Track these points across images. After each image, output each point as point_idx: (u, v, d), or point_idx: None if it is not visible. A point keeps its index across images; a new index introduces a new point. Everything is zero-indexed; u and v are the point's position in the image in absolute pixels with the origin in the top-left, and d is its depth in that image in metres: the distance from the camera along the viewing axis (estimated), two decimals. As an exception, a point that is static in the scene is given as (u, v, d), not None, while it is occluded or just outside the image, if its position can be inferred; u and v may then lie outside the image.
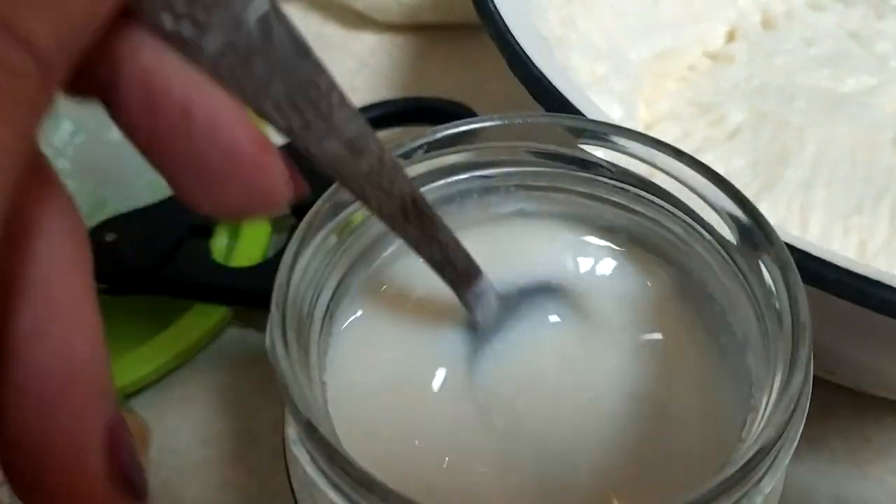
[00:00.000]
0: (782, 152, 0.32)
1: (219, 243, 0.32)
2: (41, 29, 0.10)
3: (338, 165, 0.15)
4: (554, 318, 0.20)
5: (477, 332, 0.19)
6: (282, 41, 0.13)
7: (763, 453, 0.14)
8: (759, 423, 0.15)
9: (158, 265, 0.30)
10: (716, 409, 0.18)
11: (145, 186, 0.33)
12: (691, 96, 0.36)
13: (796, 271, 0.16)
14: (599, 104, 0.32)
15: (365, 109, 0.35)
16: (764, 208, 0.30)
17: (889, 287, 0.18)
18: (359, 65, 0.42)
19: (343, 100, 0.14)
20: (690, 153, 0.32)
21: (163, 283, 0.30)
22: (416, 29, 0.43)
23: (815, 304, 0.22)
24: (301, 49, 0.13)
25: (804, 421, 0.16)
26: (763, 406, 0.15)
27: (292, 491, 0.18)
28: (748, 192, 0.30)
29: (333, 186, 0.18)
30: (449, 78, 0.41)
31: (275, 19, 0.13)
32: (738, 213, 0.17)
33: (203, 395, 0.30)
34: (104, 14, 0.11)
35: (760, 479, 0.15)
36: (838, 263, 0.19)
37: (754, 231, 0.17)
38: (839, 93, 0.34)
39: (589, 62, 0.34)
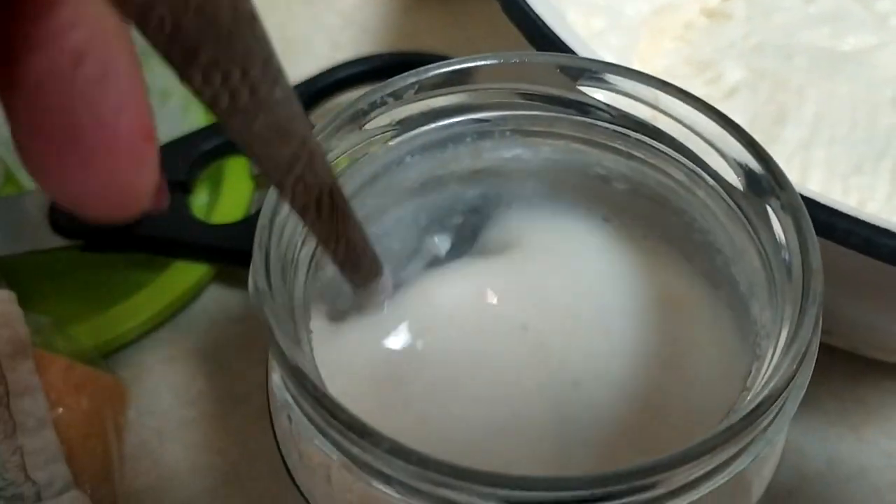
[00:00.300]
0: (781, 111, 0.31)
1: (199, 200, 0.31)
2: None
3: (258, 148, 0.13)
4: (556, 271, 0.20)
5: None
6: (224, 5, 0.11)
7: (770, 401, 0.13)
8: (766, 372, 0.14)
9: (136, 221, 0.29)
10: (719, 359, 0.17)
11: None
12: (688, 54, 0.35)
13: (808, 217, 0.15)
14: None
15: (348, 65, 0.34)
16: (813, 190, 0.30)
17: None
18: (344, 21, 0.41)
19: (280, 77, 0.13)
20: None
21: (141, 240, 0.29)
22: (405, -17, 0.41)
23: (836, 267, 0.22)
24: (246, 14, 0.12)
25: (811, 371, 0.15)
26: (770, 355, 0.15)
27: (277, 444, 0.18)
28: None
29: (318, 128, 0.17)
30: (437, 36, 0.40)
31: None
32: (747, 156, 0.17)
33: (183, 356, 0.29)
34: None
35: (767, 428, 0.14)
36: (847, 212, 0.18)
37: (763, 175, 0.16)
38: (839, 51, 0.33)
39: (585, 16, 0.33)
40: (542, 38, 0.22)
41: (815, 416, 0.28)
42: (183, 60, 0.11)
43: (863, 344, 0.27)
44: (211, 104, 0.12)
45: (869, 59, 0.33)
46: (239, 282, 0.31)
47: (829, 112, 0.31)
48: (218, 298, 0.31)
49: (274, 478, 0.27)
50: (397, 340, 0.18)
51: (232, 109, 0.12)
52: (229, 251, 0.29)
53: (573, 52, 0.22)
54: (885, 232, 0.18)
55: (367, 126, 0.17)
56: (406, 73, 0.17)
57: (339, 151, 0.17)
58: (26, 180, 0.31)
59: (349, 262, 0.17)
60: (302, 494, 0.17)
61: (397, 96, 0.17)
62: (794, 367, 0.14)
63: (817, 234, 0.19)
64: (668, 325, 0.19)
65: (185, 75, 0.11)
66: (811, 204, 0.18)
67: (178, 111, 0.32)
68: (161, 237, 0.29)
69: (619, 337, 0.19)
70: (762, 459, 0.16)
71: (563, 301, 0.19)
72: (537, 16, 0.22)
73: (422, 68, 0.18)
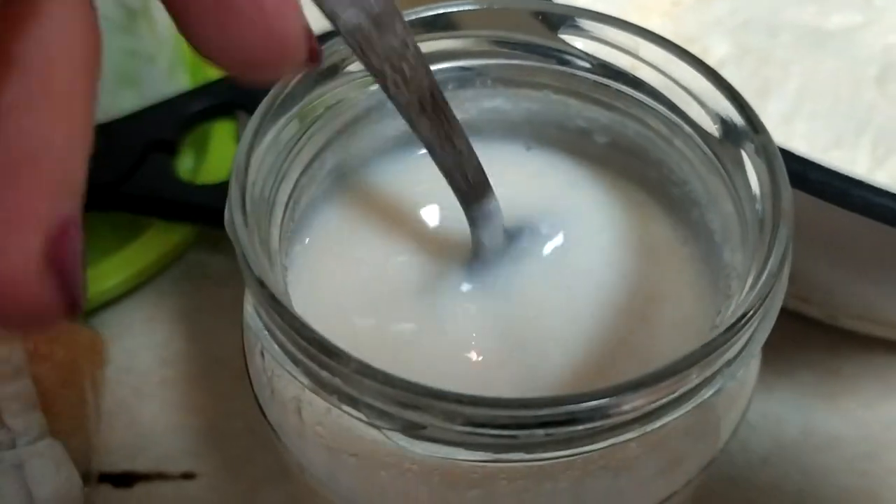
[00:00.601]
0: (765, 86, 0.31)
1: (185, 163, 0.31)
2: None
3: (359, 37, 0.14)
4: (535, 224, 0.20)
5: (478, 254, 0.18)
6: None
7: (732, 333, 0.13)
8: (733, 309, 0.14)
9: (119, 180, 0.29)
10: (693, 301, 0.17)
11: (108, 104, 0.31)
12: (675, 30, 0.35)
13: (781, 158, 0.15)
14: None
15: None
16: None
17: (873, 188, 0.18)
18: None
19: None
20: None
21: (125, 199, 0.29)
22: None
23: (802, 221, 0.22)
24: None
25: (777, 311, 0.15)
26: (739, 294, 0.15)
27: (251, 384, 0.18)
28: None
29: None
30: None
31: None
32: (724, 103, 0.17)
33: (164, 317, 0.29)
34: None
35: (731, 361, 0.14)
36: (821, 163, 0.18)
37: (739, 121, 0.16)
38: (824, 29, 0.34)
39: (571, -9, 0.33)
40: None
41: (791, 386, 0.29)
42: None
43: (839, 312, 0.27)
44: None
45: (853, 37, 0.33)
46: (221, 245, 0.31)
47: (811, 87, 0.31)
48: (200, 261, 0.31)
49: (250, 435, 0.27)
50: (371, 277, 0.18)
51: None
52: (213, 211, 0.28)
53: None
54: (858, 183, 0.18)
55: (348, 68, 0.17)
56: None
57: (319, 94, 0.17)
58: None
59: (457, 169, 0.17)
60: (274, 432, 0.17)
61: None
62: (759, 301, 0.14)
63: (794, 186, 0.19)
64: (645, 270, 0.19)
65: None
66: (786, 155, 0.19)
67: (165, 73, 0.32)
68: (145, 196, 0.29)
69: (598, 280, 0.19)
70: (728, 397, 0.16)
71: (545, 248, 0.19)
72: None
73: (404, 12, 0.18)
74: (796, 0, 0.35)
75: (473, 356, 0.18)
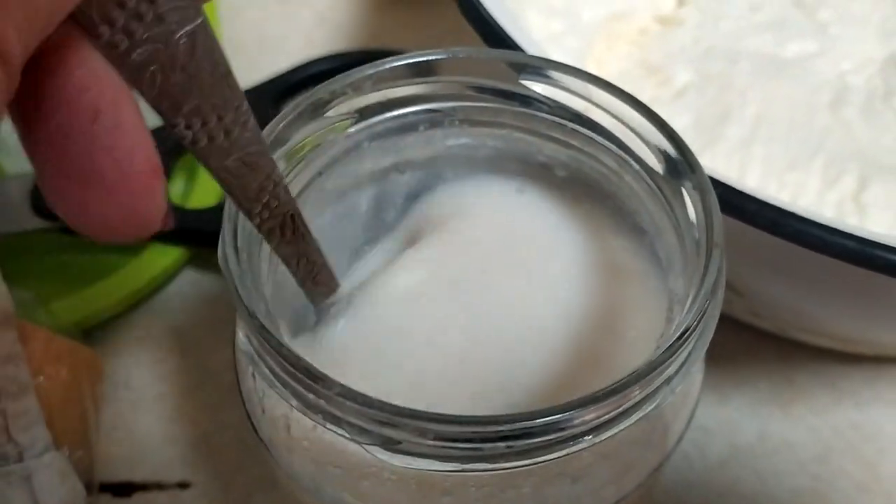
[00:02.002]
0: (725, 112, 0.33)
1: (175, 188, 0.33)
2: (12, 36, 0.10)
3: (230, 180, 0.15)
4: (500, 249, 0.21)
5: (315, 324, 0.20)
6: (205, 59, 0.13)
7: (668, 355, 0.15)
8: (674, 328, 0.16)
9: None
10: (644, 323, 0.19)
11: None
12: (641, 58, 0.37)
13: (714, 193, 0.17)
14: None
15: (319, 61, 0.35)
16: (705, 163, 0.31)
17: (799, 217, 0.20)
18: (318, 19, 0.42)
19: (249, 119, 0.15)
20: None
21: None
22: (377, -15, 0.43)
23: (742, 245, 0.24)
24: (221, 69, 0.14)
25: (711, 332, 0.17)
26: (679, 316, 0.17)
27: (243, 403, 0.19)
28: (692, 148, 0.32)
29: (282, 114, 0.19)
30: (407, 33, 0.42)
31: (201, 37, 0.13)
32: (666, 144, 0.18)
33: (158, 334, 0.31)
34: (60, 20, 0.11)
35: (670, 378, 0.16)
36: (756, 195, 0.20)
37: (679, 160, 0.18)
38: (781, 57, 0.36)
39: (544, 19, 0.35)
40: (494, 36, 0.24)
41: (747, 394, 0.30)
42: (169, 109, 0.13)
43: (789, 326, 0.29)
44: (191, 144, 0.14)
45: (809, 64, 0.35)
46: (211, 265, 0.33)
47: (768, 113, 0.33)
48: (191, 281, 0.32)
49: (241, 445, 0.28)
50: (355, 319, 0.20)
51: (209, 149, 0.14)
52: (203, 234, 0.30)
53: (522, 50, 0.24)
54: (789, 214, 0.20)
55: (328, 114, 0.19)
56: (365, 66, 0.19)
57: (302, 136, 0.19)
58: (9, 166, 0.32)
59: (309, 278, 0.19)
60: (265, 447, 0.19)
61: (356, 87, 0.19)
62: (695, 322, 0.16)
63: (731, 215, 0.21)
64: (606, 289, 0.21)
65: (170, 122, 0.13)
66: (726, 189, 0.21)
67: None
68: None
69: (564, 297, 0.21)
70: (672, 408, 0.18)
71: (513, 268, 0.21)
72: (490, 16, 0.24)
73: (379, 61, 0.19)
74: (755, 29, 0.37)
75: (454, 374, 0.19)
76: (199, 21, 0.13)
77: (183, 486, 0.27)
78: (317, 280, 0.19)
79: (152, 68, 0.13)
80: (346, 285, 0.20)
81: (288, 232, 0.17)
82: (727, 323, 0.31)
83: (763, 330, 0.31)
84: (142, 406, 0.29)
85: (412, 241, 0.21)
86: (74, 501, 0.23)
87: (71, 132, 0.12)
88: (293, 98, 0.36)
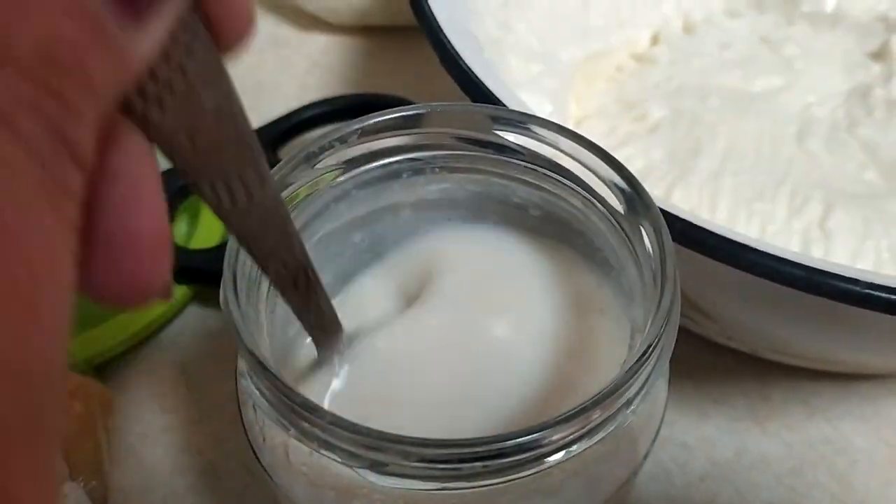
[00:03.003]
0: (696, 145, 0.35)
1: (179, 229, 0.35)
2: (90, 141, 0.11)
3: (250, 238, 0.16)
4: (481, 290, 0.23)
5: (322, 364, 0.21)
6: (230, 124, 0.14)
7: (623, 382, 0.17)
8: (631, 357, 0.18)
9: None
10: (611, 351, 0.21)
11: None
12: (618, 95, 0.39)
13: (667, 230, 0.19)
14: (532, 101, 0.36)
15: (313, 105, 0.37)
16: (678, 195, 0.34)
17: (756, 250, 0.21)
18: (311, 64, 0.44)
19: (268, 180, 0.15)
20: (615, 146, 0.36)
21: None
22: (366, 30, 0.46)
23: (709, 275, 0.25)
24: (245, 133, 0.14)
25: (667, 361, 0.19)
26: (637, 344, 0.18)
27: (246, 434, 0.21)
28: (665, 182, 0.34)
29: (277, 167, 0.21)
30: (396, 77, 0.44)
31: (227, 104, 0.13)
32: (624, 185, 0.20)
33: (165, 369, 0.33)
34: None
35: (630, 402, 0.17)
36: (714, 230, 0.22)
37: (636, 200, 0.20)
38: (749, 92, 0.38)
39: (524, 62, 0.37)
40: (473, 86, 0.26)
41: (725, 412, 0.32)
42: (195, 173, 0.14)
43: (760, 347, 0.30)
44: (215, 206, 0.15)
45: (775, 98, 0.38)
46: (215, 302, 0.34)
47: (737, 146, 0.35)
48: (196, 317, 0.34)
49: (246, 472, 0.30)
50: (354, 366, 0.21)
51: (232, 210, 0.15)
52: (206, 273, 0.32)
53: (499, 100, 0.26)
54: (743, 246, 0.22)
55: (318, 165, 0.21)
56: (351, 121, 0.21)
57: (296, 187, 0.21)
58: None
59: (317, 325, 0.20)
60: (267, 473, 0.21)
61: (343, 140, 0.21)
62: (649, 351, 0.17)
63: (692, 249, 0.23)
64: (574, 325, 0.23)
65: (196, 185, 0.14)
66: (686, 224, 0.22)
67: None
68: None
69: (540, 327, 0.22)
70: (636, 427, 0.19)
71: (493, 306, 0.23)
72: (468, 68, 0.26)
73: (364, 117, 0.21)
74: (725, 66, 0.39)
75: (440, 407, 0.21)
76: (225, 90, 0.13)
77: (191, 512, 0.29)
78: (324, 326, 0.20)
79: (180, 136, 0.13)
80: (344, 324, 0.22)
81: (301, 285, 0.18)
82: (705, 345, 0.33)
83: (739, 351, 0.32)
84: (151, 438, 0.31)
85: (401, 283, 0.23)
86: (90, 529, 0.24)
87: (88, 197, 0.12)
88: (290, 141, 0.38)
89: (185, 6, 0.12)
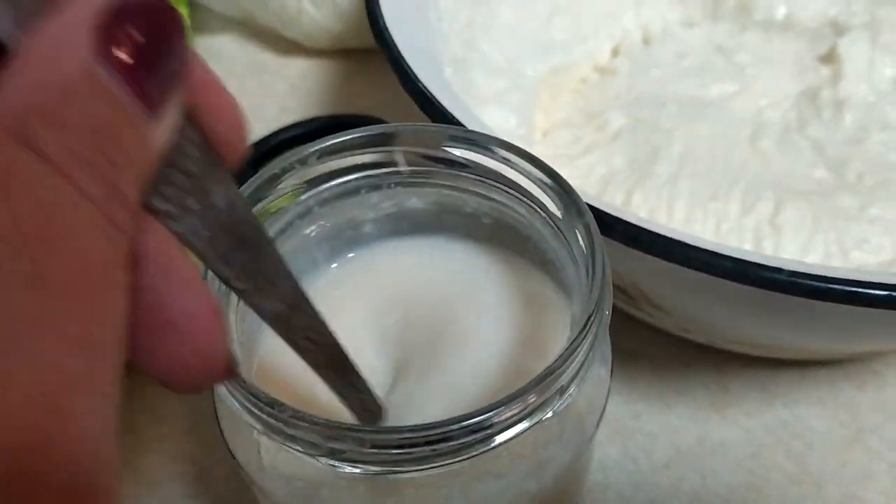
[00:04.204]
0: (654, 151, 0.37)
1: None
2: (134, 188, 0.13)
3: (277, 320, 0.18)
4: (441, 294, 0.25)
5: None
6: (244, 219, 0.15)
7: (554, 369, 0.19)
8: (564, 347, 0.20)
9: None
10: (558, 342, 0.23)
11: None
12: (582, 105, 0.41)
13: (597, 229, 0.21)
14: (497, 115, 0.38)
15: (292, 127, 0.39)
16: (637, 199, 0.36)
17: (686, 245, 0.23)
18: (291, 87, 0.47)
19: (287, 268, 0.17)
20: (579, 155, 0.38)
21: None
22: (343, 53, 0.48)
23: (658, 272, 0.27)
24: (257, 226, 0.16)
25: (596, 352, 0.21)
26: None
27: (222, 434, 0.23)
28: (625, 187, 0.36)
29: (253, 177, 0.23)
30: (372, 97, 0.46)
31: (237, 203, 0.15)
32: (561, 192, 0.22)
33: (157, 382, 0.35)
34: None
35: (565, 387, 0.19)
36: (651, 229, 0.24)
37: (571, 205, 0.22)
38: (705, 99, 0.40)
39: (490, 78, 0.39)
40: (430, 105, 0.28)
41: (686, 402, 0.34)
42: (220, 265, 0.16)
43: (717, 338, 0.32)
44: (241, 293, 0.17)
45: (730, 103, 0.39)
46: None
47: (693, 150, 0.37)
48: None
49: (237, 478, 0.32)
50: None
51: (255, 294, 0.17)
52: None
53: (455, 118, 0.28)
54: (676, 242, 0.23)
55: (281, 185, 0.23)
56: (309, 144, 0.23)
57: (262, 206, 0.23)
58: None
59: (357, 403, 0.21)
60: (242, 468, 0.22)
61: (303, 162, 0.23)
62: (579, 340, 0.19)
63: (632, 247, 0.25)
64: (533, 316, 0.24)
65: (221, 275, 0.16)
66: (627, 225, 0.24)
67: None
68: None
69: (493, 333, 0.24)
70: (577, 411, 0.21)
71: (454, 312, 0.25)
72: (425, 88, 0.28)
73: (321, 139, 0.23)
74: (681, 74, 0.41)
75: (406, 406, 0.23)
76: (236, 192, 0.15)
77: (184, 515, 0.31)
78: (364, 405, 0.21)
79: (202, 232, 0.15)
80: None
81: (336, 365, 0.20)
82: (667, 339, 0.35)
83: (700, 344, 0.34)
84: (144, 447, 0.33)
85: (363, 294, 0.25)
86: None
87: (148, 288, 0.14)
88: (271, 161, 0.40)
89: (182, 109, 0.14)
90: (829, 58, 0.41)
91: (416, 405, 0.23)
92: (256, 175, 0.23)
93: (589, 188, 0.36)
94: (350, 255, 0.26)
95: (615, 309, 0.33)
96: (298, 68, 0.48)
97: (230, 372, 0.16)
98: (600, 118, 0.40)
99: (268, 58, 0.49)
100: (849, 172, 0.36)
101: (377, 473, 0.19)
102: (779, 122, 0.39)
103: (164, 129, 0.14)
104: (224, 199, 0.15)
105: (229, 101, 0.16)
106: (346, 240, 0.25)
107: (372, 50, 0.47)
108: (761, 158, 0.37)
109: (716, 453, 0.32)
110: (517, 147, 0.23)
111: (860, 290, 0.21)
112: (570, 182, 0.22)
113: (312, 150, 0.23)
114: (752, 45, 0.42)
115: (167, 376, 0.15)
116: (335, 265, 0.26)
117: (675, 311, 0.30)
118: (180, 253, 0.15)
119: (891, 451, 0.32)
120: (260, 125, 0.42)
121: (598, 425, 0.22)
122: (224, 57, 0.49)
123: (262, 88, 0.47)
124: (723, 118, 0.39)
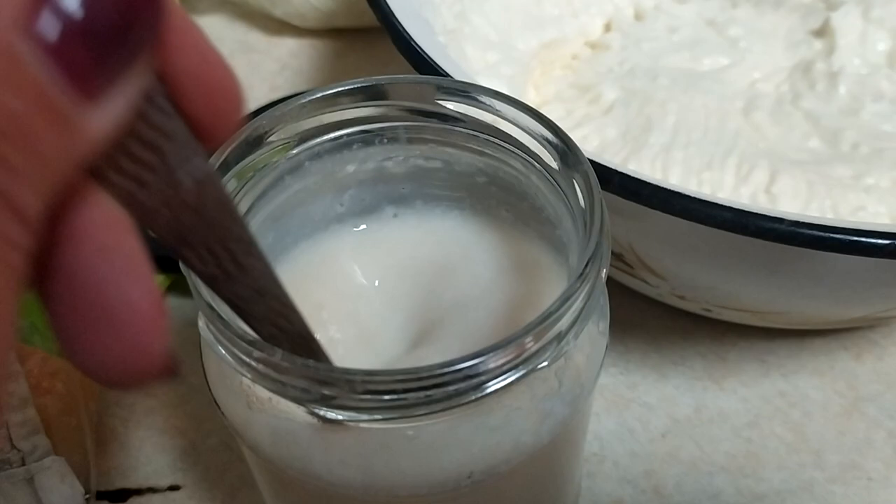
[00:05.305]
0: (647, 122, 0.37)
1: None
2: (28, 196, 0.11)
3: (242, 305, 0.16)
4: (440, 258, 0.25)
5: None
6: (212, 199, 0.14)
7: (549, 315, 0.18)
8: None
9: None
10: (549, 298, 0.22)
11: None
12: (574, 80, 0.41)
13: (595, 179, 0.21)
14: (489, 86, 0.37)
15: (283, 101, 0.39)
16: (631, 168, 0.35)
17: (686, 196, 0.23)
18: (280, 66, 0.46)
19: (254, 247, 0.16)
20: (572, 128, 0.38)
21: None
22: (333, 33, 0.47)
23: (654, 232, 0.27)
24: (228, 207, 0.15)
25: (599, 294, 0.20)
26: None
27: (208, 386, 0.23)
28: (619, 157, 0.36)
29: (228, 141, 0.22)
30: (362, 75, 0.45)
31: (209, 183, 0.14)
32: (557, 142, 0.22)
33: (145, 356, 0.34)
34: (73, 172, 0.12)
35: (563, 334, 0.19)
36: (648, 181, 0.23)
37: (568, 155, 0.22)
38: (697, 71, 0.39)
39: (481, 52, 0.39)
40: (423, 62, 0.28)
41: (684, 372, 0.33)
42: (180, 245, 0.14)
43: (712, 305, 0.32)
44: (202, 276, 0.15)
45: (722, 76, 0.39)
46: (190, 292, 0.36)
47: (686, 121, 0.37)
48: (173, 306, 0.35)
49: (225, 450, 0.31)
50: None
51: (220, 279, 0.16)
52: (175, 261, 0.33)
53: (448, 74, 0.27)
54: (675, 193, 0.23)
55: (271, 139, 0.23)
56: (299, 95, 0.23)
57: (249, 160, 0.22)
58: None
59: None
60: (229, 421, 0.22)
61: (293, 115, 0.23)
62: (577, 286, 0.19)
63: (629, 199, 0.24)
64: (529, 274, 0.24)
65: (181, 256, 0.15)
66: (623, 176, 0.24)
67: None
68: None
69: (488, 287, 0.24)
70: (574, 365, 0.21)
71: (449, 266, 0.25)
72: (419, 46, 0.28)
73: (311, 90, 0.23)
74: (673, 48, 0.41)
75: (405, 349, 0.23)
76: (206, 170, 0.14)
77: (174, 488, 0.30)
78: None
79: (162, 211, 0.13)
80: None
81: (303, 351, 0.18)
82: (664, 310, 0.35)
83: (696, 315, 0.34)
84: (133, 420, 0.32)
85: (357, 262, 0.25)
86: (73, 498, 0.26)
87: (82, 270, 0.13)
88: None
89: (146, 87, 0.12)
90: (822, 32, 0.41)
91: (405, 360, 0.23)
92: (243, 129, 0.22)
93: (583, 159, 0.36)
94: (343, 215, 0.25)
95: (612, 280, 0.33)
96: (288, 48, 0.47)
97: (171, 371, 0.14)
98: (593, 91, 0.39)
99: (257, 37, 0.48)
100: (843, 143, 0.36)
101: (368, 421, 0.19)
102: (772, 94, 0.38)
103: (113, 115, 0.12)
104: (190, 177, 0.14)
105: (221, 69, 0.14)
106: (342, 194, 0.25)
107: (362, 29, 0.47)
108: (755, 129, 0.37)
109: (713, 422, 0.32)
110: (512, 98, 0.23)
111: (863, 238, 0.21)
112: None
113: (302, 101, 0.23)
114: (744, 20, 0.42)
115: (97, 370, 0.13)
116: (329, 232, 0.25)
117: (672, 275, 0.30)
118: (129, 234, 0.13)
119: (889, 419, 0.32)
120: (250, 104, 0.41)
121: (595, 381, 0.22)
122: (213, 37, 0.48)
123: (252, 68, 0.46)
124: (716, 90, 0.38)
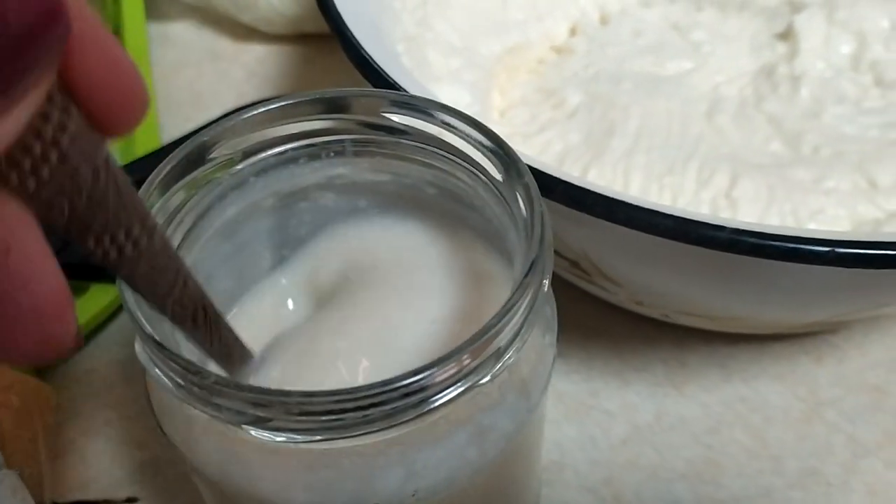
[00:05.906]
0: (610, 127, 0.37)
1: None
2: None
3: (142, 284, 0.17)
4: (384, 272, 0.25)
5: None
6: (109, 185, 0.14)
7: (490, 329, 0.18)
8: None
9: (57, 251, 0.33)
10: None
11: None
12: (539, 84, 0.41)
13: (536, 188, 0.20)
14: (451, 93, 0.37)
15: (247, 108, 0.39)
16: (594, 174, 0.35)
17: (629, 205, 0.23)
18: (248, 73, 0.46)
19: (154, 229, 0.16)
20: (536, 132, 0.38)
21: (64, 266, 0.33)
22: (300, 38, 0.47)
23: (606, 241, 0.27)
24: (125, 190, 0.15)
25: (542, 307, 0.20)
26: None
27: (152, 409, 0.22)
28: (581, 162, 0.36)
29: (168, 158, 0.22)
30: (330, 83, 0.45)
31: (104, 170, 0.14)
32: (501, 153, 0.22)
33: (104, 366, 0.34)
34: None
35: (503, 350, 0.19)
36: (593, 189, 0.23)
37: (511, 167, 0.21)
38: (661, 75, 0.39)
39: (444, 57, 0.39)
40: (372, 71, 0.28)
41: (645, 378, 0.33)
42: (79, 233, 0.14)
43: (670, 311, 0.32)
44: (103, 258, 0.15)
45: (686, 80, 0.39)
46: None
47: (648, 125, 0.37)
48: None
49: (182, 462, 0.31)
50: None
51: (119, 260, 0.16)
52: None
53: (398, 83, 0.27)
54: (618, 202, 0.23)
55: (213, 155, 0.22)
56: (243, 110, 0.23)
57: (191, 177, 0.22)
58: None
59: (222, 355, 0.20)
60: (171, 442, 0.22)
61: (236, 130, 0.23)
62: (510, 306, 0.19)
63: (574, 209, 0.24)
64: (473, 292, 0.24)
65: (81, 242, 0.15)
66: (567, 186, 0.24)
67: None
68: (80, 264, 0.33)
69: (445, 294, 0.24)
70: (519, 378, 0.21)
71: (393, 281, 0.24)
72: (369, 56, 0.28)
73: (255, 104, 0.23)
74: (637, 52, 0.41)
75: (344, 368, 0.23)
76: (102, 156, 0.14)
77: (131, 500, 0.30)
78: (231, 355, 0.21)
79: (60, 202, 0.13)
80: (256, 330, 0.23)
81: (199, 320, 0.19)
82: (625, 316, 0.35)
83: (658, 321, 0.34)
84: (91, 432, 0.32)
85: (306, 277, 0.25)
86: (24, 514, 0.25)
87: None
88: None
89: (47, 90, 0.12)
90: (787, 35, 0.41)
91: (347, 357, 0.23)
92: (184, 144, 0.22)
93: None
94: (288, 233, 0.25)
95: (574, 286, 0.33)
96: (255, 54, 0.47)
97: (75, 346, 0.15)
98: (557, 96, 0.39)
99: (225, 44, 0.48)
100: (804, 145, 0.36)
101: (307, 442, 0.18)
102: (735, 98, 0.38)
103: (16, 120, 0.12)
104: (87, 165, 0.14)
105: (118, 60, 0.14)
106: (288, 210, 0.25)
107: (329, 35, 0.47)
108: (717, 133, 0.37)
109: (674, 429, 0.32)
110: (457, 110, 0.23)
111: (801, 245, 0.21)
112: (526, 159, 0.22)
113: (245, 116, 0.22)
114: (708, 24, 0.42)
115: (7, 359, 0.14)
116: (273, 248, 0.25)
117: (628, 281, 0.30)
118: (31, 230, 0.13)
119: (849, 423, 0.32)
120: (217, 112, 0.41)
121: (543, 394, 0.22)
122: (180, 43, 0.48)
123: (219, 75, 0.46)
124: (679, 94, 0.38)
